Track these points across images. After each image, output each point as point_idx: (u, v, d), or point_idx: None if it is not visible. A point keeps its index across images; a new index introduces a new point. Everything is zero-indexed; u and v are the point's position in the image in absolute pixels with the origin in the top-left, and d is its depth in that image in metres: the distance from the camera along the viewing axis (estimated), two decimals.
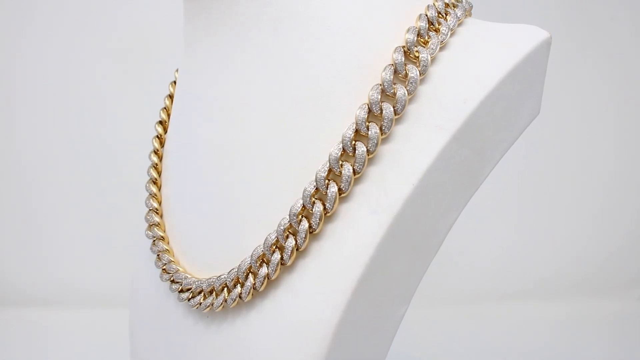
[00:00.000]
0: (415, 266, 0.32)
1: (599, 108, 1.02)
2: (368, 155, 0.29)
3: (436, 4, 0.32)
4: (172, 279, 0.37)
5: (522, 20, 0.33)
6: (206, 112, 0.36)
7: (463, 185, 0.32)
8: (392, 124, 0.29)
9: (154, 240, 0.40)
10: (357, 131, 0.30)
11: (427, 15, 0.31)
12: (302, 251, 0.30)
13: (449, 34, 0.31)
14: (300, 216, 0.30)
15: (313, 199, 0.30)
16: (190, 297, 0.36)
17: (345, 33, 0.31)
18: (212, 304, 0.34)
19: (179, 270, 0.37)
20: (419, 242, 0.31)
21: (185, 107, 0.38)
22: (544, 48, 0.32)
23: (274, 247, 0.31)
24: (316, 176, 0.30)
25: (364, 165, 0.29)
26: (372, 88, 0.30)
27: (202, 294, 0.35)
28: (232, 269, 0.33)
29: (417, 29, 0.31)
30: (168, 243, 0.39)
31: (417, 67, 0.30)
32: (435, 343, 0.73)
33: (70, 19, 0.97)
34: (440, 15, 0.32)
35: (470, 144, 0.30)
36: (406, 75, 0.30)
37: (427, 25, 0.31)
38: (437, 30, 0.31)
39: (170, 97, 0.45)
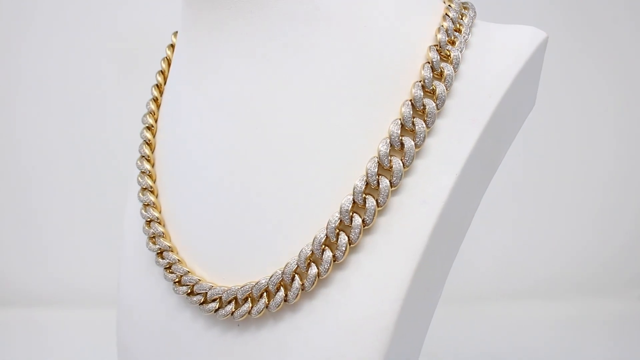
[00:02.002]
0: (451, 252, 0.34)
1: (599, 108, 1.02)
2: (416, 148, 0.31)
3: (452, 5, 0.35)
4: (190, 290, 0.35)
5: (525, 20, 0.37)
6: (222, 114, 0.34)
7: (486, 173, 0.35)
8: (434, 119, 0.31)
9: (160, 252, 0.37)
10: (402, 126, 0.31)
11: (450, 16, 0.33)
12: (354, 247, 0.31)
13: (469, 33, 0.34)
14: (351, 212, 0.31)
15: (363, 194, 0.31)
16: (217, 307, 0.34)
17: (380, 32, 0.32)
18: (250, 311, 0.33)
19: (200, 280, 0.35)
20: (455, 229, 0.33)
21: (188, 109, 0.37)
22: (543, 47, 0.35)
23: (324, 245, 0.31)
24: (367, 171, 0.31)
25: (412, 159, 0.31)
26: (413, 85, 0.31)
27: (235, 302, 0.34)
28: (275, 272, 0.32)
29: (445, 29, 0.33)
30: (177, 254, 0.37)
31: (450, 64, 0.32)
32: (435, 343, 0.72)
33: (71, 19, 0.97)
34: (458, 16, 0.34)
35: (493, 134, 0.33)
36: (441, 73, 0.32)
37: (452, 26, 0.33)
38: (458, 31, 0.34)
39: (155, 100, 0.42)
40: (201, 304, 0.35)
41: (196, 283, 0.35)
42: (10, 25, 0.98)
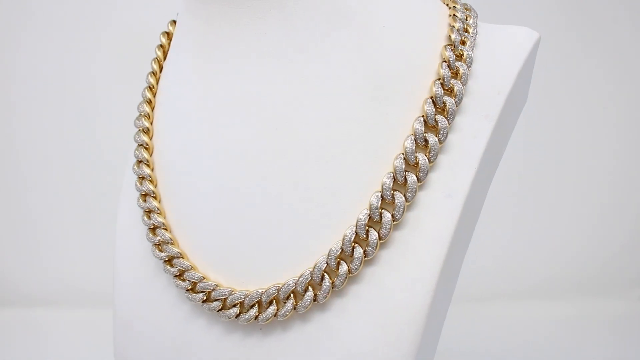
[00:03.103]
0: (467, 243, 0.35)
1: (600, 108, 1.01)
2: (440, 144, 0.32)
3: (457, 6, 0.36)
4: (207, 297, 0.34)
5: (526, 19, 0.39)
6: (236, 115, 0.34)
7: (493, 166, 0.36)
8: (454, 116, 0.32)
9: (169, 260, 0.36)
10: (425, 123, 0.32)
11: (459, 17, 0.35)
12: (384, 243, 0.31)
13: (476, 34, 0.35)
14: (380, 209, 0.31)
15: (391, 191, 0.31)
16: (238, 313, 0.34)
17: (396, 31, 0.33)
18: (277, 314, 0.33)
19: (217, 286, 0.34)
20: (472, 220, 0.35)
21: (196, 110, 0.35)
22: (537, 46, 0.38)
23: (354, 243, 0.31)
24: (394, 168, 0.31)
25: (437, 154, 0.32)
26: (433, 83, 0.32)
27: (258, 305, 0.33)
28: (303, 272, 0.32)
29: (457, 29, 0.34)
30: (188, 260, 0.36)
31: (464, 63, 0.33)
32: None
33: (70, 19, 0.96)
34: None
35: (501, 129, 0.35)
36: (457, 71, 0.33)
37: (462, 26, 0.34)
38: (466, 31, 0.35)
39: (149, 102, 0.40)
40: (219, 310, 0.34)
41: (214, 289, 0.34)
42: (8, 25, 0.97)
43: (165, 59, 0.42)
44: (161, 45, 0.42)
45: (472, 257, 0.32)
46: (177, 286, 0.35)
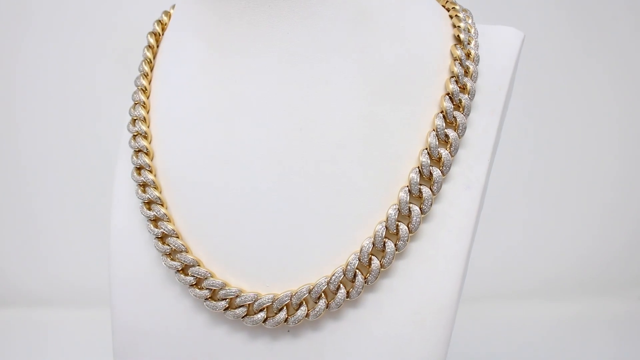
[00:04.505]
0: (476, 232, 0.37)
1: (603, 108, 1.02)
2: (459, 138, 0.33)
3: (456, 7, 0.38)
4: (230, 305, 0.33)
5: (528, 20, 0.41)
6: (258, 117, 0.33)
7: (494, 157, 0.39)
8: (469, 112, 0.34)
9: (185, 268, 0.34)
10: (444, 118, 0.33)
11: (461, 17, 0.36)
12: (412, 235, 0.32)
13: (477, 34, 0.37)
14: (409, 203, 0.32)
15: (419, 185, 0.32)
16: (265, 317, 0.33)
17: (412, 32, 0.34)
18: (308, 315, 0.32)
19: (242, 292, 0.33)
20: (481, 210, 0.37)
21: (210, 113, 0.34)
22: (522, 44, 0.41)
23: (385, 238, 0.32)
24: (420, 164, 0.32)
25: (457, 149, 0.33)
26: (449, 81, 0.34)
27: (287, 308, 0.33)
28: (335, 271, 0.32)
29: (463, 29, 0.36)
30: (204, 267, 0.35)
31: (472, 62, 0.35)
32: None
33: (70, 19, 0.96)
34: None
35: (502, 122, 0.37)
36: (466, 69, 0.35)
37: (466, 27, 0.36)
38: (468, 31, 0.37)
39: (144, 105, 0.38)
40: (244, 316, 0.33)
41: (237, 295, 0.33)
42: (10, 25, 0.97)
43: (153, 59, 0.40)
44: (149, 46, 0.39)
45: (472, 257, 0.34)
46: (194, 295, 0.34)
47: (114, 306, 0.37)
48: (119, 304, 0.37)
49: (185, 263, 0.34)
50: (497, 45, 0.38)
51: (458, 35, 0.35)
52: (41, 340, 0.83)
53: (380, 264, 0.32)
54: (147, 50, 0.39)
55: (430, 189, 0.32)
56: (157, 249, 0.35)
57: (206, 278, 0.34)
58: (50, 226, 0.99)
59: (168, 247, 0.35)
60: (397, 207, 0.32)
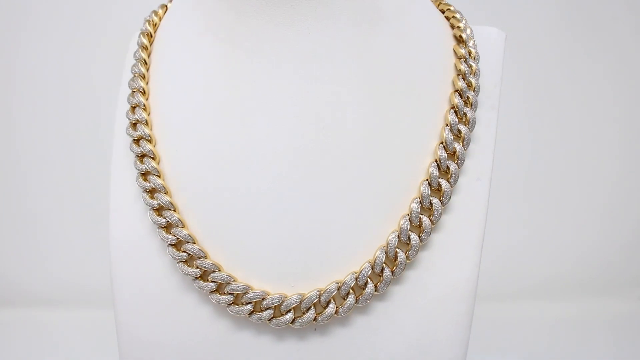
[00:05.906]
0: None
1: (603, 108, 1.01)
2: (470, 132, 0.35)
3: (451, 8, 0.40)
4: (255, 308, 0.33)
5: (528, 20, 0.43)
6: (278, 116, 0.33)
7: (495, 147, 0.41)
8: (476, 108, 0.36)
9: (204, 274, 0.33)
10: (456, 113, 0.35)
11: (457, 17, 0.38)
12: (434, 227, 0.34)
13: (473, 34, 0.39)
14: (430, 197, 0.33)
15: (438, 179, 0.33)
16: (293, 318, 0.33)
17: (421, 31, 0.35)
18: (337, 311, 0.33)
19: (267, 294, 0.33)
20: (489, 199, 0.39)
21: (225, 113, 0.33)
22: (505, 43, 0.43)
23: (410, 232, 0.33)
24: (438, 158, 0.33)
25: (469, 143, 0.35)
26: (457, 78, 0.35)
27: (315, 307, 0.33)
28: (363, 266, 0.32)
29: (462, 29, 0.37)
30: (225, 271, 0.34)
31: (473, 60, 0.37)
32: None
33: (70, 18, 0.96)
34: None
35: (496, 113, 0.40)
36: (471, 67, 0.36)
37: (464, 27, 0.38)
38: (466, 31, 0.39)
39: (144, 108, 0.36)
40: (270, 319, 0.33)
41: (264, 298, 0.33)
42: (9, 24, 0.96)
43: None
44: (144, 47, 0.38)
45: None
46: (216, 301, 0.33)
47: (119, 322, 0.35)
48: (126, 320, 0.35)
49: (204, 269, 0.33)
50: (486, 44, 0.40)
51: (460, 35, 0.37)
52: (41, 340, 0.83)
53: (407, 256, 0.33)
54: (142, 51, 0.37)
55: (448, 181, 0.34)
56: (172, 256, 0.33)
57: (229, 283, 0.33)
58: (50, 226, 0.98)
59: (184, 254, 0.33)
60: (419, 200, 0.33)
